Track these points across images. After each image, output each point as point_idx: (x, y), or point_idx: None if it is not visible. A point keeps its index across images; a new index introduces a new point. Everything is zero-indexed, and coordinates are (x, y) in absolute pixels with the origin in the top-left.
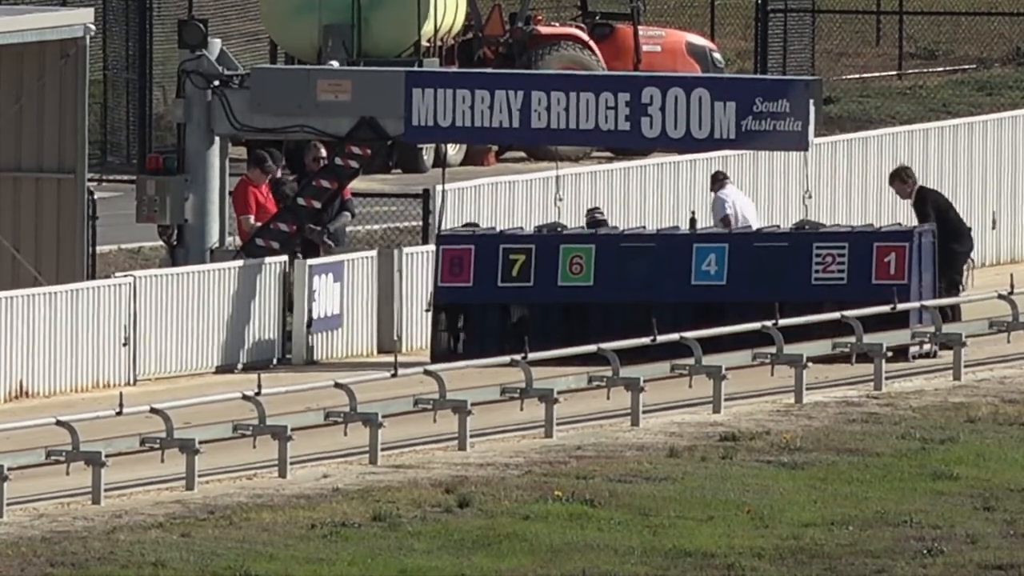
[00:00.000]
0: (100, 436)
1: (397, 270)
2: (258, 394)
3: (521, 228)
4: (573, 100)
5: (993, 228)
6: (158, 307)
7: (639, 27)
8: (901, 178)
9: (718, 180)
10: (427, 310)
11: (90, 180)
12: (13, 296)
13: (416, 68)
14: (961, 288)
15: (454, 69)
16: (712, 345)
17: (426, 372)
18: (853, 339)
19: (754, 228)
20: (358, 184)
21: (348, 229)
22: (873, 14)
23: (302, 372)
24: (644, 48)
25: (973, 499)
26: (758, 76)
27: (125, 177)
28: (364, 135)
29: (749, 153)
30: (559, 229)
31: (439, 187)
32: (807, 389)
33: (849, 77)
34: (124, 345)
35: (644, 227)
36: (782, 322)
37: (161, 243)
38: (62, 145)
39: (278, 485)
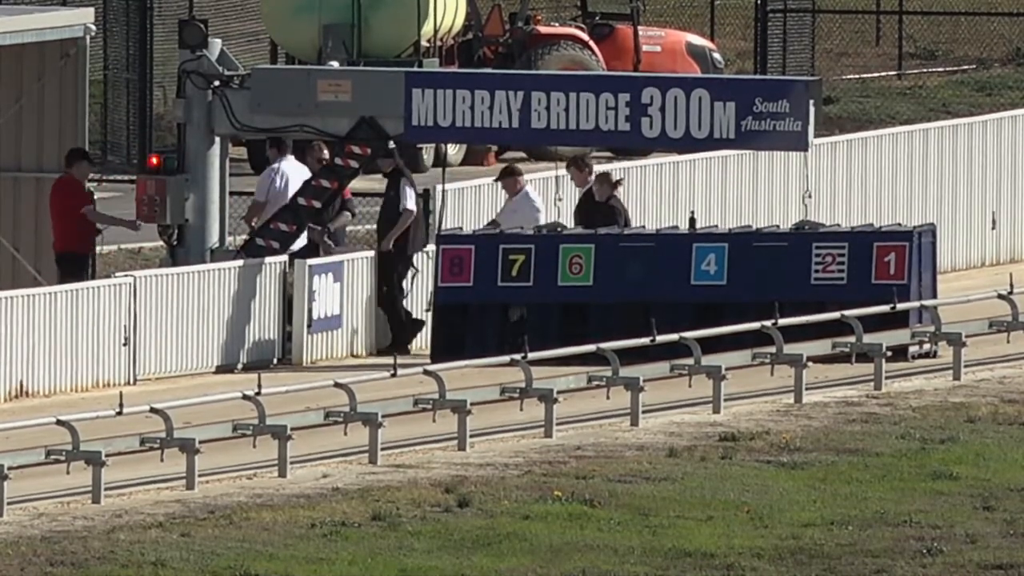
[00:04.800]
0: (100, 436)
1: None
2: (258, 394)
3: (520, 228)
4: (573, 100)
5: (993, 228)
6: (158, 307)
7: (639, 27)
8: (578, 165)
9: (514, 177)
10: (427, 310)
11: (90, 180)
12: (13, 296)
13: (416, 68)
14: None
15: (454, 69)
16: (712, 345)
17: (426, 372)
18: (853, 339)
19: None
20: (358, 184)
21: (348, 229)
22: (873, 14)
23: (302, 372)
24: (644, 48)
25: (973, 499)
26: (758, 76)
27: (125, 177)
28: (364, 135)
29: (749, 153)
30: (559, 229)
31: (439, 187)
32: (807, 389)
33: (849, 77)
34: (124, 345)
35: (644, 227)
36: (782, 322)
37: (161, 243)
38: (62, 145)
39: (278, 485)
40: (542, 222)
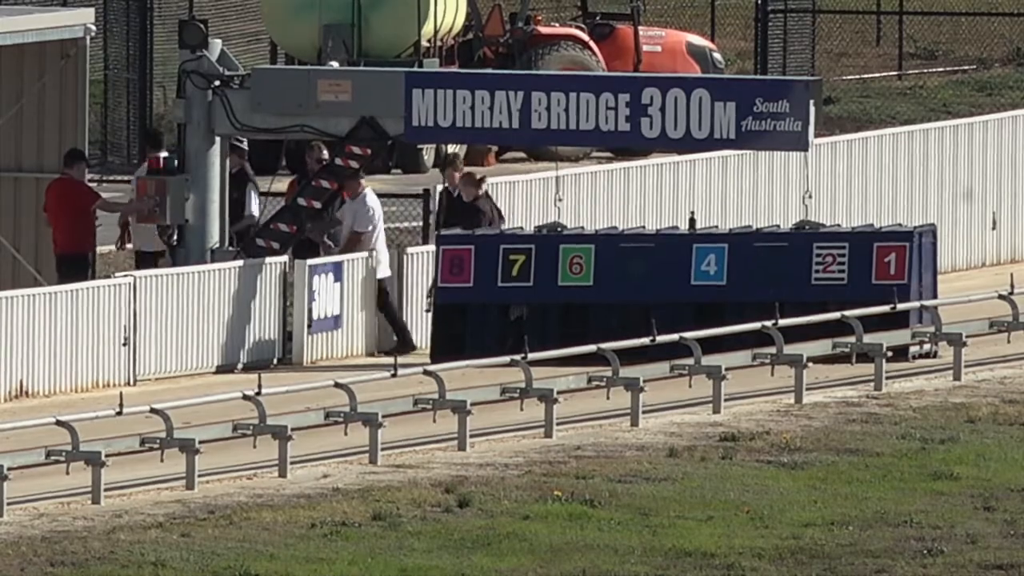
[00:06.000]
0: (100, 436)
1: (397, 270)
2: (258, 394)
3: (520, 228)
4: (573, 100)
5: (993, 228)
6: (158, 307)
7: (639, 27)
8: (455, 167)
9: (356, 180)
10: (427, 310)
11: (90, 180)
12: (13, 296)
13: (416, 68)
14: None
15: (454, 69)
16: (712, 345)
17: (426, 372)
18: (853, 339)
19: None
20: None
21: None
22: (873, 14)
23: (302, 372)
24: (644, 48)
25: (973, 499)
26: (758, 76)
27: (126, 177)
28: (364, 135)
29: (749, 153)
30: (559, 229)
31: (439, 187)
32: (807, 389)
33: (849, 77)
34: (124, 345)
35: (644, 227)
36: (782, 322)
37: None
38: (62, 145)
39: (278, 485)
40: (376, 224)
